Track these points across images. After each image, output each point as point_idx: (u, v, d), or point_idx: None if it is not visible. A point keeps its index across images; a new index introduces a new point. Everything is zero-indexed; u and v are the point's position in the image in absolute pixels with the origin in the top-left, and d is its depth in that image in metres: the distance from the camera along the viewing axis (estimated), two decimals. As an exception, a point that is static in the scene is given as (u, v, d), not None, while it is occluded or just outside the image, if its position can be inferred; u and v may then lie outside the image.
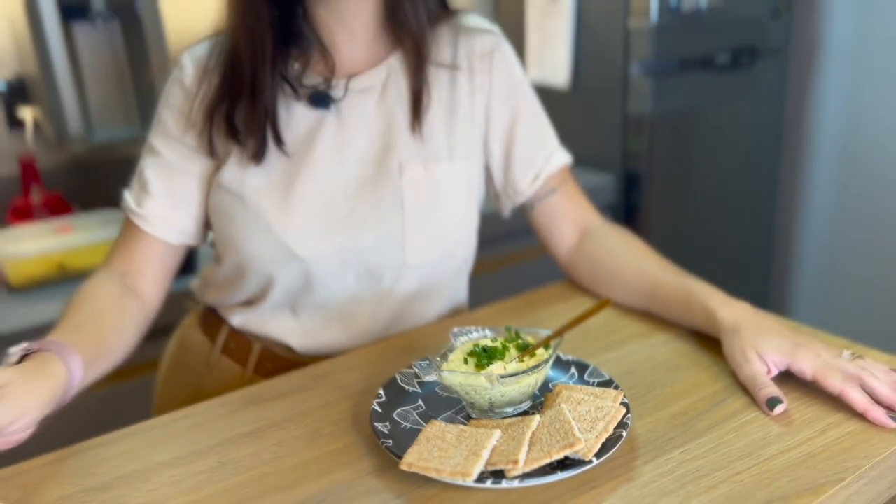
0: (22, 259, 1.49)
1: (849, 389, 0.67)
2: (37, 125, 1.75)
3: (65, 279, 1.53)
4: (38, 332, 1.35)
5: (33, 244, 1.52)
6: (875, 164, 2.30)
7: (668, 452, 0.63)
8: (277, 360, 0.92)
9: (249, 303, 0.92)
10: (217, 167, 0.88)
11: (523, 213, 0.99)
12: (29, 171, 1.74)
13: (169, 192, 0.88)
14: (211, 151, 0.87)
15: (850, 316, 2.42)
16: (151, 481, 0.63)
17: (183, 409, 0.73)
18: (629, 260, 0.90)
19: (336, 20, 0.87)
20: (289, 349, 0.91)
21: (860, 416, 0.66)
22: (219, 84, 0.86)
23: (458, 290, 0.98)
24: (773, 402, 0.67)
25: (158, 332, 1.48)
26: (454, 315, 0.96)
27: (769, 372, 0.71)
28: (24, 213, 1.72)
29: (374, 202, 0.86)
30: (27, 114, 1.74)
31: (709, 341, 0.80)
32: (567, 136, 1.07)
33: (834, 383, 0.67)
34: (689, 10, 2.03)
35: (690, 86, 2.13)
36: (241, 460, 0.65)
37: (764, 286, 2.52)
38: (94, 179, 1.85)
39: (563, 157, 0.96)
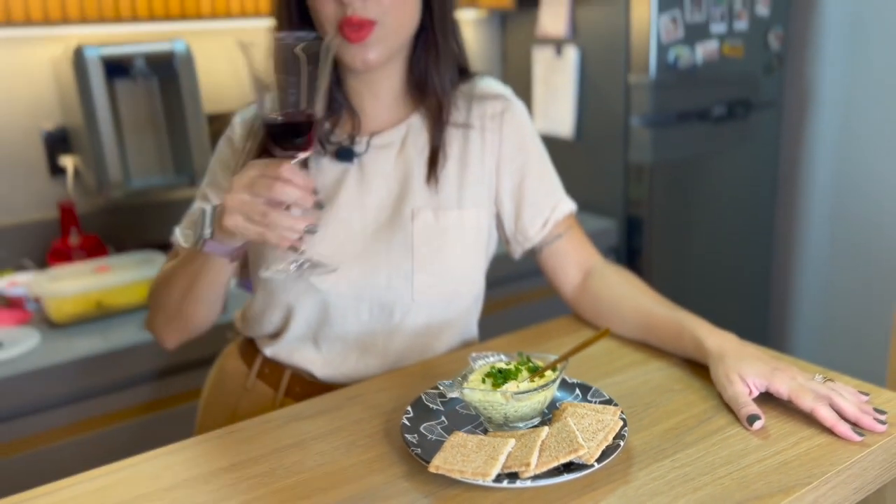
0: (63, 297, 1.60)
1: (819, 407, 0.76)
2: (76, 172, 1.87)
3: (103, 316, 1.63)
4: (78, 364, 1.46)
5: (74, 283, 1.62)
6: (865, 210, 2.41)
7: (660, 461, 0.72)
8: (305, 385, 1.02)
9: (276, 335, 1.03)
10: None
11: (532, 256, 1.09)
12: (68, 216, 1.86)
13: None
14: None
15: (844, 351, 2.50)
16: (212, 483, 0.72)
17: (233, 424, 0.83)
18: (627, 296, 1.01)
19: (365, 87, 0.99)
20: (314, 377, 1.01)
21: (829, 431, 0.75)
22: (255, 145, 0.98)
23: (468, 326, 1.07)
24: (752, 419, 0.77)
25: (201, 363, 1.60)
26: (465, 348, 1.06)
27: (750, 393, 0.80)
28: (63, 255, 1.83)
29: (387, 243, 0.97)
30: (68, 162, 1.87)
31: (698, 368, 0.90)
32: (572, 183, 1.18)
33: (806, 402, 0.77)
34: (685, 66, 2.16)
35: (688, 136, 2.24)
36: (289, 467, 0.74)
37: (763, 327, 2.61)
38: (127, 223, 1.97)
39: (568, 206, 1.07)
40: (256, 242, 0.87)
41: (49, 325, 1.61)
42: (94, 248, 1.87)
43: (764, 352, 0.87)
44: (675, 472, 0.71)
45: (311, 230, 0.80)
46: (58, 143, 1.87)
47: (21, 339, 1.52)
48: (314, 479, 0.72)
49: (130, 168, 1.78)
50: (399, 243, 0.97)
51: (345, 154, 0.99)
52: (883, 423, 0.75)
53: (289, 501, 0.69)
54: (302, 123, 0.78)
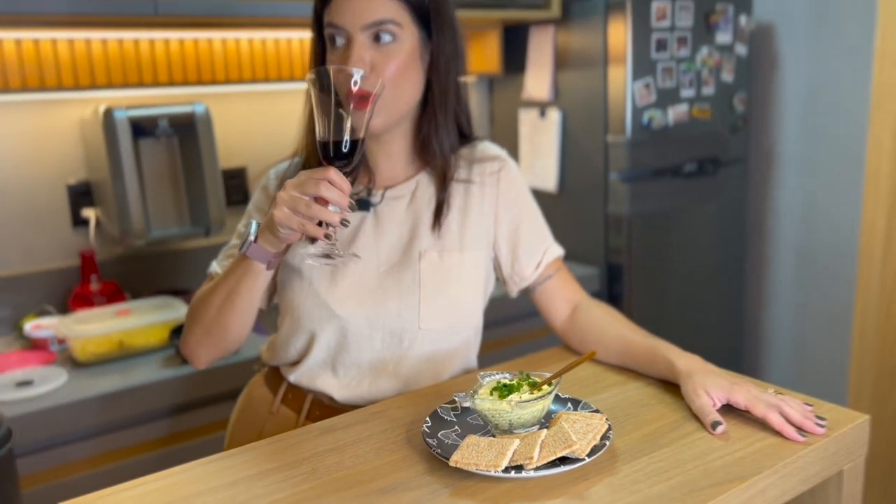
0: (88, 338, 1.72)
1: (770, 414, 0.92)
2: (98, 223, 2.01)
3: (124, 356, 1.75)
4: (102, 400, 1.58)
5: (98, 325, 1.74)
6: (825, 254, 2.59)
7: (640, 458, 0.87)
8: (324, 409, 1.15)
9: (298, 361, 1.16)
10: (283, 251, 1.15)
11: (527, 295, 1.25)
12: (88, 263, 1.99)
13: None
14: None
15: (811, 375, 2.66)
16: (265, 480, 0.86)
17: (276, 435, 0.96)
18: (609, 327, 1.16)
19: (378, 147, 1.15)
20: (332, 400, 1.15)
21: (778, 434, 0.90)
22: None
23: (469, 357, 1.22)
24: (715, 425, 0.92)
25: (216, 398, 1.72)
26: (467, 375, 1.20)
27: (714, 404, 0.96)
28: (84, 300, 1.96)
29: (398, 279, 1.12)
30: (91, 214, 2.01)
31: (670, 387, 1.05)
32: (556, 233, 1.32)
33: (759, 410, 0.92)
34: (658, 127, 2.34)
35: (662, 191, 2.40)
36: (328, 467, 0.88)
37: (737, 360, 2.75)
38: (144, 271, 2.10)
39: (557, 250, 1.23)
40: (297, 235, 0.97)
41: (74, 364, 1.72)
42: (113, 293, 1.99)
43: (726, 372, 1.02)
44: (652, 466, 0.85)
45: (345, 223, 0.95)
46: (81, 196, 2.01)
47: (50, 378, 1.63)
48: (352, 475, 0.86)
49: (151, 219, 1.92)
50: (408, 279, 1.12)
51: (363, 204, 1.15)
52: (823, 426, 0.91)
53: (333, 493, 0.82)
54: (349, 143, 0.95)
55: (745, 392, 0.95)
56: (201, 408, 1.71)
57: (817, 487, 0.94)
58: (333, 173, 0.93)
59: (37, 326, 1.83)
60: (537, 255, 1.21)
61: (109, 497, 0.84)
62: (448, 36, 1.10)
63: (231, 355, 1.15)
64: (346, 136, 0.94)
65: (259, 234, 1.00)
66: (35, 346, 1.82)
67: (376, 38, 1.04)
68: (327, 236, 0.94)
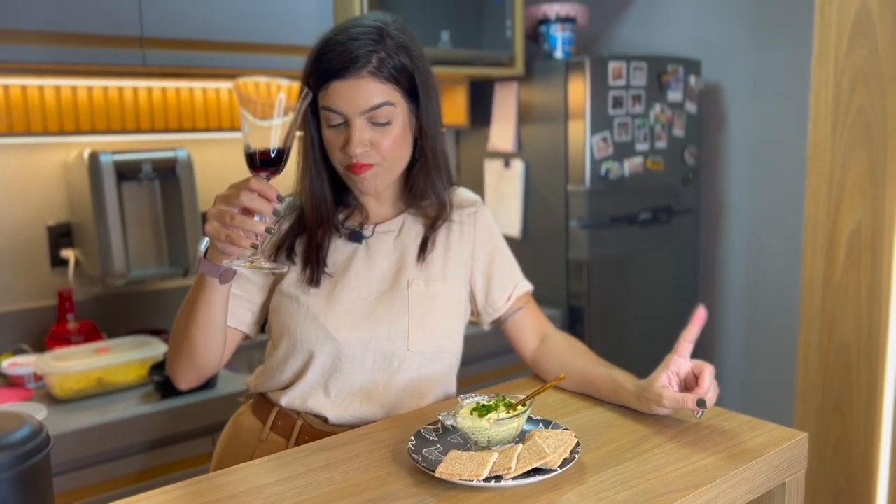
0: (67, 374, 1.75)
1: (706, 372, 1.07)
2: (77, 263, 2.06)
3: (103, 392, 1.79)
4: (80, 435, 1.61)
5: (78, 362, 1.78)
6: (771, 296, 2.74)
7: (605, 470, 0.96)
8: (313, 434, 1.22)
9: (292, 383, 1.23)
10: (276, 281, 1.23)
11: (498, 326, 1.34)
12: (66, 303, 2.03)
13: (241, 292, 1.22)
14: (275, 258, 1.23)
15: (761, 401, 2.77)
16: (264, 493, 0.92)
17: (272, 454, 1.03)
18: (573, 358, 1.27)
19: (369, 196, 1.25)
20: (324, 421, 1.22)
21: (728, 450, 1.01)
22: (288, 228, 1.23)
23: (450, 383, 1.30)
24: (701, 403, 1.03)
25: (192, 434, 1.76)
26: (448, 401, 1.29)
27: (675, 388, 1.08)
28: (61, 339, 1.99)
29: (388, 305, 1.21)
30: (70, 254, 2.05)
31: (630, 412, 1.15)
32: None
33: (706, 376, 1.07)
34: (615, 178, 2.48)
35: (620, 237, 2.53)
36: (321, 481, 0.95)
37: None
38: (120, 311, 2.14)
39: (527, 285, 1.34)
40: (235, 248, 0.98)
41: (52, 400, 1.75)
42: (90, 333, 2.03)
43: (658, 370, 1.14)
44: (616, 476, 0.94)
45: (270, 231, 1.00)
46: (60, 236, 2.06)
47: (31, 413, 1.66)
48: (344, 488, 0.93)
49: (131, 259, 1.97)
50: (398, 305, 1.21)
51: (356, 237, 1.25)
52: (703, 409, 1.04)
53: (329, 503, 0.89)
54: (275, 152, 0.97)
55: (684, 362, 1.10)
56: (180, 442, 1.75)
57: (763, 497, 1.04)
58: (254, 182, 0.96)
59: (14, 364, 1.86)
60: (508, 288, 1.31)
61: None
62: (434, 100, 1.21)
63: (210, 374, 1.20)
64: (272, 146, 0.96)
65: (208, 249, 1.06)
66: (12, 383, 1.85)
67: (374, 119, 1.13)
68: (254, 245, 0.98)
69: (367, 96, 1.11)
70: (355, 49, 1.10)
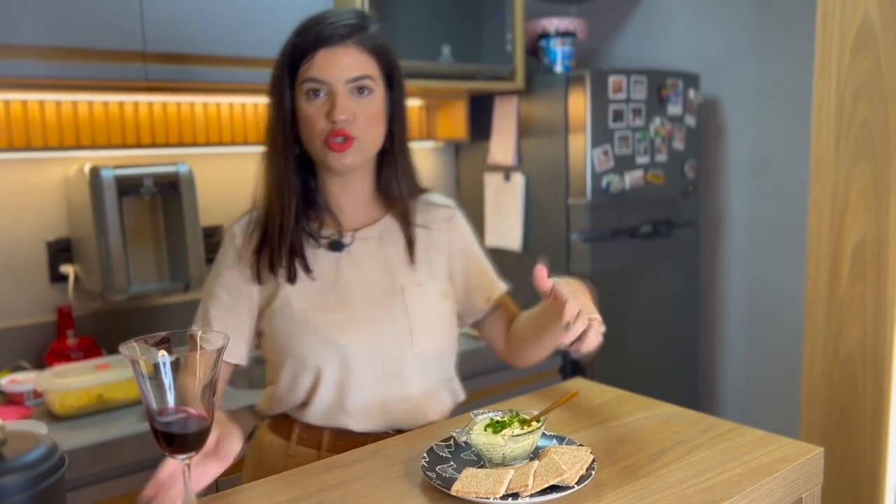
0: (67, 391, 1.73)
1: (572, 304, 1.08)
2: (76, 279, 2.04)
3: (103, 409, 1.77)
4: (80, 453, 1.59)
5: (78, 379, 1.76)
6: (771, 308, 2.73)
7: (622, 486, 0.95)
8: (345, 439, 1.21)
9: (307, 402, 1.21)
10: (264, 301, 1.22)
11: (477, 327, 1.38)
12: (65, 319, 2.01)
13: (226, 326, 1.20)
14: (259, 280, 1.22)
15: (762, 414, 2.76)
16: (277, 512, 0.91)
17: (287, 471, 1.02)
18: (518, 325, 1.31)
19: (342, 189, 1.25)
20: (352, 432, 1.21)
21: (744, 465, 1.00)
22: (259, 238, 1.23)
23: (458, 385, 1.32)
24: (567, 326, 1.06)
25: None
26: (458, 417, 1.27)
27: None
28: (61, 355, 1.97)
29: (389, 310, 1.22)
30: (69, 270, 2.04)
31: (647, 425, 1.14)
32: (521, 290, 1.43)
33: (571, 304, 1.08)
34: (616, 191, 2.48)
35: (621, 250, 2.53)
36: (335, 499, 0.94)
37: (694, 401, 2.86)
38: (120, 326, 2.12)
39: (503, 286, 1.38)
40: None
41: (52, 417, 1.72)
42: (90, 349, 2.01)
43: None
44: (633, 493, 0.93)
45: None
46: (60, 252, 2.04)
47: (31, 430, 1.64)
48: (358, 507, 0.92)
49: (132, 274, 1.96)
50: (398, 310, 1.22)
51: (336, 245, 1.25)
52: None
53: (342, 521, 0.88)
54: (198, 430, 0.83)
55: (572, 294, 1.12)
56: (181, 460, 1.72)
57: (780, 513, 1.03)
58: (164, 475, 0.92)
59: (12, 381, 1.84)
60: (486, 290, 1.35)
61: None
62: (403, 93, 1.25)
63: None
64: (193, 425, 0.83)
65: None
66: (11, 400, 1.83)
67: (356, 91, 1.16)
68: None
69: (352, 65, 1.15)
70: (343, 20, 1.16)
